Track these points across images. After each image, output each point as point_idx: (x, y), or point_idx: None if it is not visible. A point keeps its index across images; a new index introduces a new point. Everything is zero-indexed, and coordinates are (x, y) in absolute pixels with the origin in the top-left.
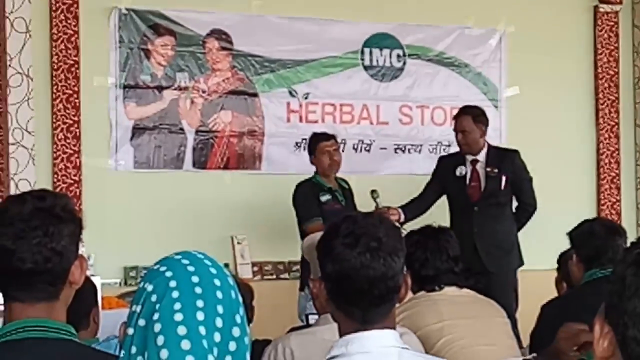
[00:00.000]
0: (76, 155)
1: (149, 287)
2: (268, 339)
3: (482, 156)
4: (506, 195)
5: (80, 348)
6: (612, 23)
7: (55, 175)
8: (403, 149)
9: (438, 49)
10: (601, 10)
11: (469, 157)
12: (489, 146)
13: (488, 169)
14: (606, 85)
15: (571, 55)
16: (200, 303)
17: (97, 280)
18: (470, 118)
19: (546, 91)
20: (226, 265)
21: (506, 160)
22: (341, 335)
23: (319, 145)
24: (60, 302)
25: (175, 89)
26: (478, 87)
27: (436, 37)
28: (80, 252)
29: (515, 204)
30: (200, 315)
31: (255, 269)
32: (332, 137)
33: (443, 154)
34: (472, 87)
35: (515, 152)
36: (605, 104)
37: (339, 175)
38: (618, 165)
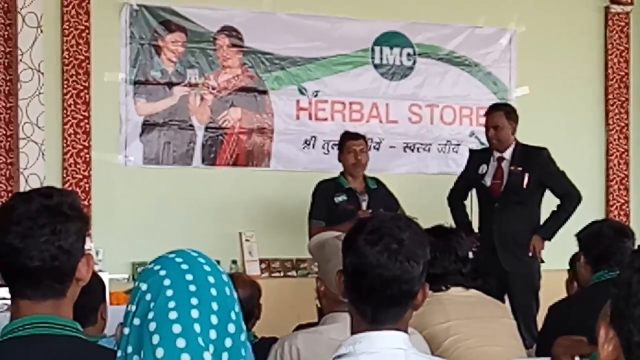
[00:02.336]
0: (86, 150)
1: (144, 287)
2: (275, 336)
3: (508, 154)
4: (530, 194)
5: (86, 344)
6: (623, 24)
7: (65, 170)
8: (412, 147)
9: (448, 48)
10: (612, 10)
11: (496, 154)
12: (517, 144)
13: (512, 167)
14: (616, 86)
15: (582, 55)
16: (194, 301)
17: (105, 276)
18: (503, 114)
19: (556, 91)
20: (234, 262)
21: (532, 158)
22: (352, 333)
23: (347, 143)
24: (67, 299)
25: (185, 86)
26: (488, 86)
27: (446, 36)
28: (88, 247)
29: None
30: (194, 313)
31: (263, 266)
32: (361, 137)
33: (454, 154)
34: (481, 86)
35: (543, 149)
36: (615, 104)
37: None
38: (627, 166)
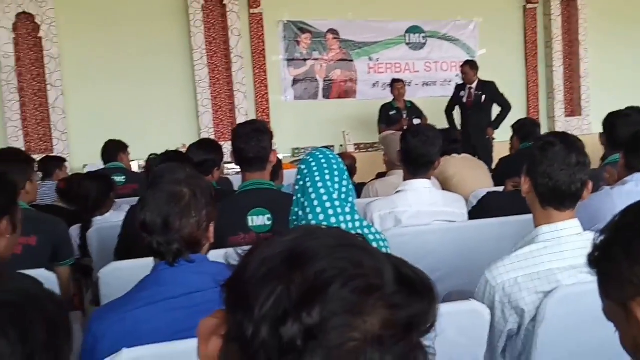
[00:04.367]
0: (266, 95)
1: (302, 167)
2: (364, 182)
3: (474, 85)
4: (485, 105)
5: (276, 191)
6: (533, 14)
7: (257, 106)
8: (427, 84)
9: (443, 32)
10: (528, 7)
11: (468, 86)
12: (479, 80)
13: (476, 92)
14: (530, 47)
15: (512, 32)
16: (326, 171)
17: (280, 156)
18: (469, 66)
19: (499, 51)
20: (341, 145)
21: (486, 87)
22: (404, 180)
23: (395, 84)
24: (266, 171)
25: (312, 60)
26: (464, 50)
27: (441, 26)
28: (273, 147)
29: (498, 108)
30: (327, 177)
31: (355, 147)
32: (401, 80)
33: (448, 86)
34: (461, 51)
35: (492, 82)
36: (530, 55)
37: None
38: (537, 89)
